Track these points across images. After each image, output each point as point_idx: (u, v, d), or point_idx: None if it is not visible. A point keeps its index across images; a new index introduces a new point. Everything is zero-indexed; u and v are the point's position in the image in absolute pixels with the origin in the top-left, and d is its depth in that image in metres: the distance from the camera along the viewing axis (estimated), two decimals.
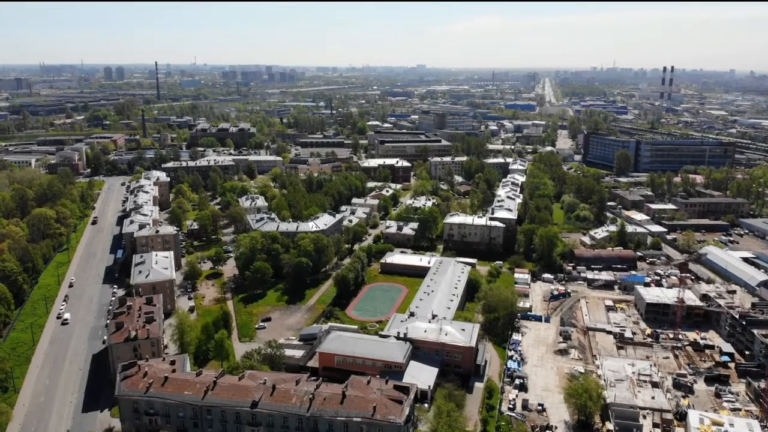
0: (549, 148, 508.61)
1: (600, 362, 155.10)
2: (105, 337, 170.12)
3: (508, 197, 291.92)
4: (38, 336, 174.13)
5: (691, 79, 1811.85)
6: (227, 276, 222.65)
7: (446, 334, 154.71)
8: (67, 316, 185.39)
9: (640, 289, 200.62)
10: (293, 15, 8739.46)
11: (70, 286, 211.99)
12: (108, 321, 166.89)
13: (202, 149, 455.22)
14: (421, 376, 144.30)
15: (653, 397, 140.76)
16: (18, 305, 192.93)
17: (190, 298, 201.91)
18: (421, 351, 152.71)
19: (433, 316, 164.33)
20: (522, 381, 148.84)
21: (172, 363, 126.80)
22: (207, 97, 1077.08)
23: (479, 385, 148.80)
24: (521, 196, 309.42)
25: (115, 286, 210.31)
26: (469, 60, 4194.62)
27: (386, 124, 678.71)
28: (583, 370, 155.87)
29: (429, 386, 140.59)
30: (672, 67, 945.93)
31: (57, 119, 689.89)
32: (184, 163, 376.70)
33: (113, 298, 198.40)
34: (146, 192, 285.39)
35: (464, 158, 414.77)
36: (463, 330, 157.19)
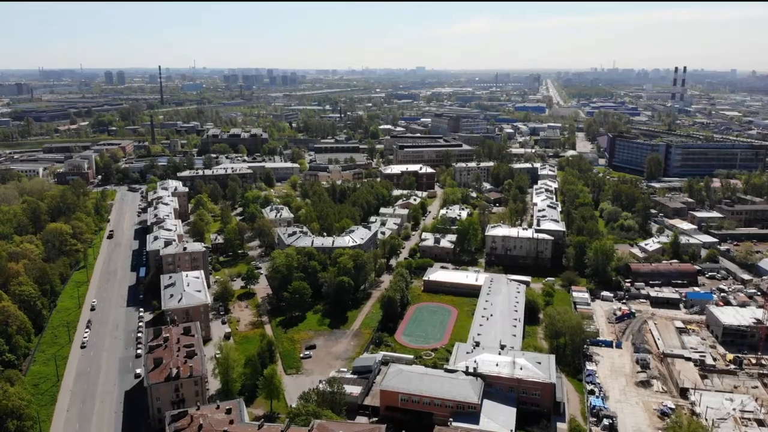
0: (571, 152, 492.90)
1: (696, 398, 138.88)
2: (137, 371, 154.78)
3: (549, 206, 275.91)
4: (62, 369, 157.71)
5: (693, 80, 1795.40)
6: (260, 296, 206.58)
7: (521, 368, 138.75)
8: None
9: (713, 308, 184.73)
10: (291, 17, 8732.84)
11: (92, 309, 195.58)
12: (143, 354, 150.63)
13: (215, 156, 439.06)
14: (499, 418, 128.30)
15: None
16: (37, 332, 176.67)
17: (224, 323, 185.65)
18: (492, 388, 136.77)
19: (502, 347, 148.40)
20: (611, 421, 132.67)
21: (228, 411, 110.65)
22: (210, 101, 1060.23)
23: (562, 426, 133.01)
24: (559, 204, 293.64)
25: (141, 309, 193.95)
26: (468, 62, 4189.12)
27: (398, 128, 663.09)
28: (673, 406, 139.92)
29: (511, 431, 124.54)
30: (684, 68, 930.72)
31: (61, 125, 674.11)
32: (200, 172, 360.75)
33: (140, 324, 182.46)
34: (166, 204, 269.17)
35: (490, 163, 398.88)
36: (539, 363, 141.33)
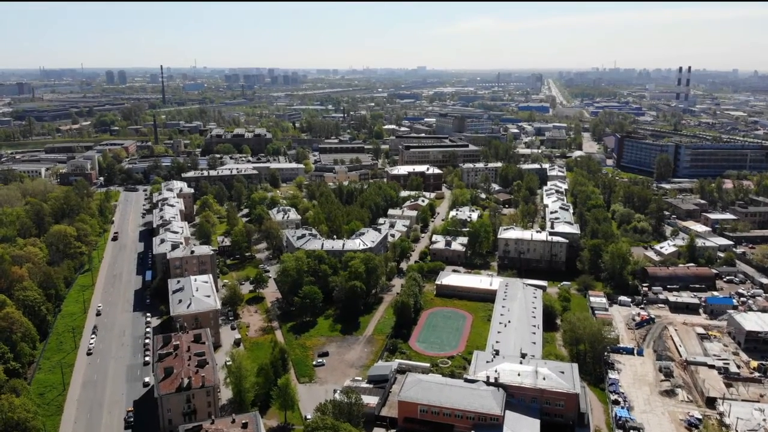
0: (578, 153, 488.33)
1: (726, 408, 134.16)
2: (146, 379, 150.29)
3: (561, 208, 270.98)
4: (68, 377, 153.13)
5: (696, 79, 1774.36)
6: (269, 300, 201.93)
7: (544, 378, 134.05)
8: None
9: (735, 314, 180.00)
10: (291, 17, 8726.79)
11: (98, 314, 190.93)
12: (152, 362, 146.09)
13: (219, 156, 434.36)
14: (523, 430, 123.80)
15: None
16: (42, 339, 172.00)
17: (233, 328, 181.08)
18: (514, 398, 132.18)
19: (523, 355, 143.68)
20: None
21: (244, 425, 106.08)
22: (212, 101, 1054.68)
23: None
24: (570, 206, 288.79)
25: (149, 314, 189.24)
26: (469, 61, 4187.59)
27: (402, 128, 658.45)
28: (700, 416, 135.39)
29: None
30: (689, 68, 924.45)
31: (63, 125, 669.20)
32: (204, 172, 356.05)
33: (148, 330, 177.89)
34: (172, 206, 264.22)
35: (498, 164, 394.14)
36: (562, 372, 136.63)
